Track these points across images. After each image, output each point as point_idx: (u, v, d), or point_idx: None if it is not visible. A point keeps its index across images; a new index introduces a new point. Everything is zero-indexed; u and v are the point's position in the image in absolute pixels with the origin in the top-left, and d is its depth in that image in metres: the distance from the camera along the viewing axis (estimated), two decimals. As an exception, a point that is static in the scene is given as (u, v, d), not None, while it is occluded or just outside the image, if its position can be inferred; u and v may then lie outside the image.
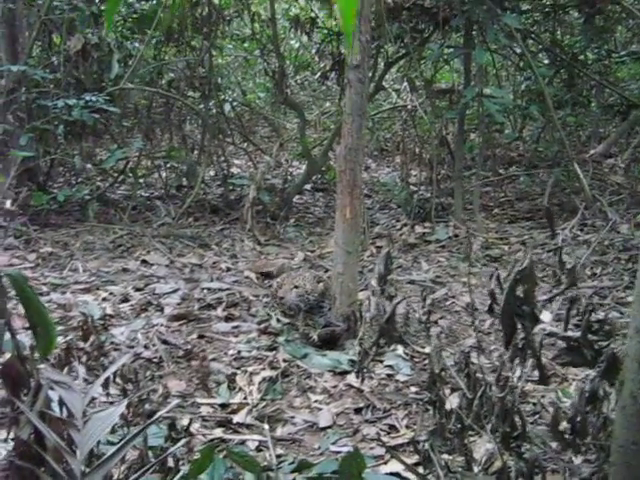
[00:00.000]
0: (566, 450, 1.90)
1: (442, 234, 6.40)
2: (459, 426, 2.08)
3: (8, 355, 2.00)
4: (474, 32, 6.61)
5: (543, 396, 3.46)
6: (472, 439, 2.76)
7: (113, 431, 2.87)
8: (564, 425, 3.24)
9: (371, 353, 2.41)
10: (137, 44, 7.59)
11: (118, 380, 3.10)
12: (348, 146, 4.13)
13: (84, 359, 2.47)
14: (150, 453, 2.63)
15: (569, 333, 1.82)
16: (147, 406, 2.84)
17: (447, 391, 3.02)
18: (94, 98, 6.17)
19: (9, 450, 3.01)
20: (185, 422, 3.18)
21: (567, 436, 1.91)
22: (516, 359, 1.88)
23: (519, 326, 1.77)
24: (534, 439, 2.20)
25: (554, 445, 2.94)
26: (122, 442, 1.81)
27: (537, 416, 3.29)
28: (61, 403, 2.01)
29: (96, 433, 1.80)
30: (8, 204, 4.99)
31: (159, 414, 1.94)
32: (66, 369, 2.47)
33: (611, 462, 1.57)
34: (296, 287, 4.37)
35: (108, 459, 1.82)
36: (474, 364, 2.51)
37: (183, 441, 2.36)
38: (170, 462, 2.66)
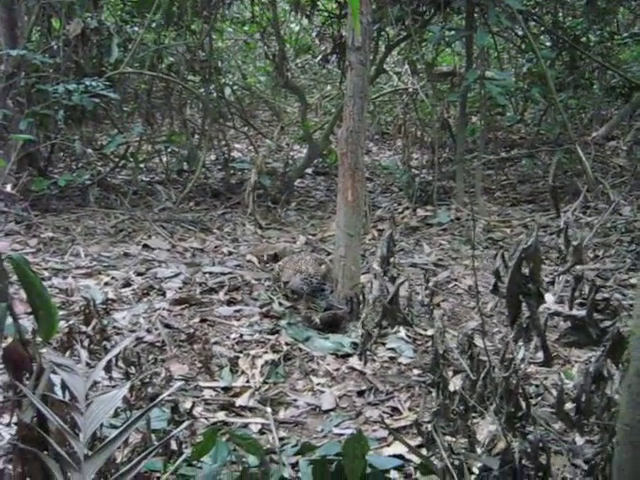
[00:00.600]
0: (571, 430, 1.90)
1: (444, 217, 6.39)
2: (463, 407, 2.08)
3: (10, 339, 1.99)
4: (476, 14, 6.57)
5: (546, 378, 3.47)
6: (475, 421, 2.76)
7: (116, 414, 2.87)
8: (568, 406, 3.25)
9: (374, 335, 2.41)
10: (137, 28, 7.54)
11: (120, 364, 3.11)
12: (350, 129, 4.12)
13: (86, 343, 2.47)
14: (153, 436, 2.64)
15: (574, 312, 1.82)
16: (149, 389, 2.84)
17: (450, 373, 3.02)
18: (94, 83, 6.13)
19: (12, 434, 3.03)
20: (187, 405, 3.19)
21: (572, 416, 1.91)
22: (520, 339, 1.87)
23: (524, 305, 1.77)
24: (538, 420, 2.19)
25: (557, 427, 2.95)
26: (125, 425, 1.81)
27: (540, 398, 3.30)
28: (64, 386, 2.01)
29: (99, 416, 1.80)
30: (9, 188, 4.97)
31: (162, 396, 1.94)
32: (68, 353, 2.47)
33: (616, 441, 1.56)
34: (300, 272, 4.36)
35: (111, 442, 1.81)
36: (477, 346, 2.51)
37: (186, 423, 2.36)
38: (173, 445, 2.67)
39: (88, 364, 2.85)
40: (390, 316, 2.21)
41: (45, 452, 1.92)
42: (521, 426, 1.97)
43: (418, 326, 4.07)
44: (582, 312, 1.81)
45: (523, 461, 1.88)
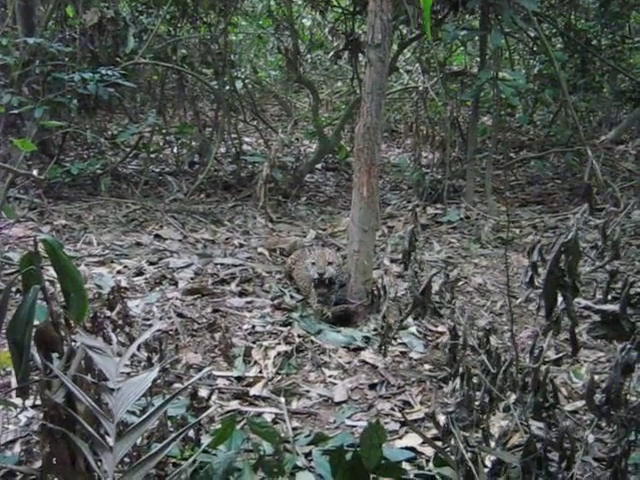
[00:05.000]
0: (600, 420, 1.94)
1: (454, 216, 6.43)
2: (487, 399, 2.12)
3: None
4: (490, 14, 6.59)
5: (555, 376, 3.51)
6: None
7: (134, 400, 2.91)
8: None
9: (394, 327, 2.45)
10: (152, 19, 7.56)
11: (136, 350, 3.14)
12: (367, 125, 4.15)
13: (110, 328, 2.52)
14: (169, 423, 2.68)
15: (605, 306, 1.86)
16: (168, 376, 2.89)
17: (460, 369, 3.07)
18: (110, 72, 6.16)
19: (29, 417, 3.08)
20: (203, 393, 3.23)
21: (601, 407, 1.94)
22: (550, 332, 1.91)
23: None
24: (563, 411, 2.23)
25: (566, 424, 2.99)
26: (155, 407, 1.85)
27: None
28: (88, 367, 2.05)
29: (130, 398, 1.84)
30: (35, 173, 5.00)
31: (191, 381, 1.98)
32: (95, 336, 2.51)
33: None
34: (330, 263, 4.37)
35: (141, 424, 1.85)
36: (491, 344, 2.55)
37: (210, 410, 2.40)
38: (190, 431, 2.71)
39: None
40: (421, 306, 2.25)
41: (72, 433, 1.96)
42: (548, 416, 2.01)
43: (429, 322, 4.11)
44: (612, 306, 1.85)
45: (546, 449, 1.93)
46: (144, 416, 1.84)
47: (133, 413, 2.67)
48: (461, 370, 2.18)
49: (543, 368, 2.02)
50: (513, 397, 2.24)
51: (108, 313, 2.46)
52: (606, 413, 1.83)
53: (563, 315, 1.85)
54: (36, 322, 2.02)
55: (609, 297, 1.95)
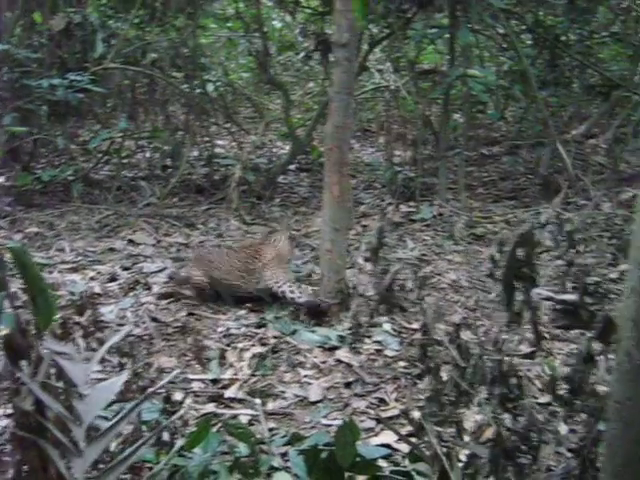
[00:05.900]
0: (563, 408, 1.96)
1: (427, 213, 6.44)
2: (455, 394, 2.14)
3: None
4: (458, 12, 6.62)
5: (529, 369, 3.53)
6: (461, 411, 2.81)
7: (107, 406, 2.89)
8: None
9: (364, 325, 2.46)
10: (120, 24, 7.51)
11: (108, 356, 3.12)
12: (335, 124, 4.15)
13: (79, 333, 2.50)
14: (144, 427, 2.67)
15: (565, 296, 1.88)
16: (141, 381, 2.87)
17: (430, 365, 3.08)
18: (79, 78, 6.12)
19: (2, 427, 3.05)
20: (178, 397, 3.22)
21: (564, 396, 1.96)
22: (513, 324, 1.93)
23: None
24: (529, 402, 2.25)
25: (540, 417, 3.01)
26: (125, 412, 1.84)
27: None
28: (60, 373, 2.03)
29: (99, 403, 1.83)
30: (2, 180, 4.96)
31: (161, 383, 1.97)
32: (64, 342, 2.50)
33: (607, 418, 1.63)
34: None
35: (110, 429, 1.85)
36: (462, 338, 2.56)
37: (180, 412, 2.39)
38: (165, 436, 2.70)
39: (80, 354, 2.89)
40: (387, 303, 2.26)
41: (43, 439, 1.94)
42: (513, 407, 2.03)
43: (403, 319, 4.12)
44: (573, 296, 1.87)
45: (513, 440, 1.94)
46: (114, 420, 1.84)
47: (106, 419, 2.66)
48: (431, 365, 2.20)
49: (507, 360, 2.04)
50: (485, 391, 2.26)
51: (77, 319, 2.45)
52: (569, 402, 1.86)
53: (526, 307, 1.88)
54: (4, 330, 2.01)
55: (569, 287, 1.97)
